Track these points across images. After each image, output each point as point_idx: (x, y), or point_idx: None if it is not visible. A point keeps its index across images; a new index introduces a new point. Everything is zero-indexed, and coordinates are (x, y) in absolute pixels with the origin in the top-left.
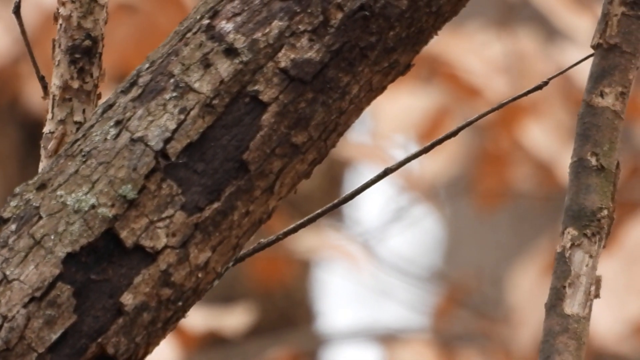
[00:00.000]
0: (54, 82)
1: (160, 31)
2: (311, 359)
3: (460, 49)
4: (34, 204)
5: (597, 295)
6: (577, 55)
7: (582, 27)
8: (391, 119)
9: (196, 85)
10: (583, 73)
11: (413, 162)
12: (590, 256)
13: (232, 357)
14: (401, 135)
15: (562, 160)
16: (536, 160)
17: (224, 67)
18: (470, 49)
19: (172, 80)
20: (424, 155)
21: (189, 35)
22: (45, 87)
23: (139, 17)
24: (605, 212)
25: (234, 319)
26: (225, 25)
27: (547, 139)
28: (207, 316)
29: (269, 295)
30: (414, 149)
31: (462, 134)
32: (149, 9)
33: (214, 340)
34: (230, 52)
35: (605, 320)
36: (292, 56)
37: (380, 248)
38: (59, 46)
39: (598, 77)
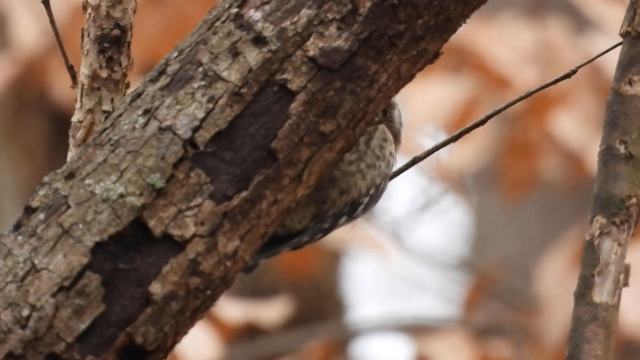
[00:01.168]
0: (83, 71)
1: (188, 21)
2: (342, 350)
3: (490, 38)
4: (63, 192)
5: (626, 284)
6: (606, 44)
7: (612, 16)
8: (420, 109)
9: (224, 74)
10: (612, 62)
11: (442, 152)
12: (619, 244)
13: (264, 348)
14: (430, 125)
15: (591, 149)
16: (565, 150)
17: (253, 56)
18: (500, 39)
19: (200, 69)
20: (452, 145)
21: (217, 24)
22: (74, 77)
23: (168, 7)
24: (634, 200)
25: (272, 312)
26: (254, 14)
27: (576, 128)
28: (245, 309)
29: (298, 288)
30: (443, 138)
31: (490, 125)
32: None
33: (247, 332)
34: (259, 40)
35: (635, 309)
36: (321, 45)
37: (409, 238)
38: (88, 35)
39: (626, 65)
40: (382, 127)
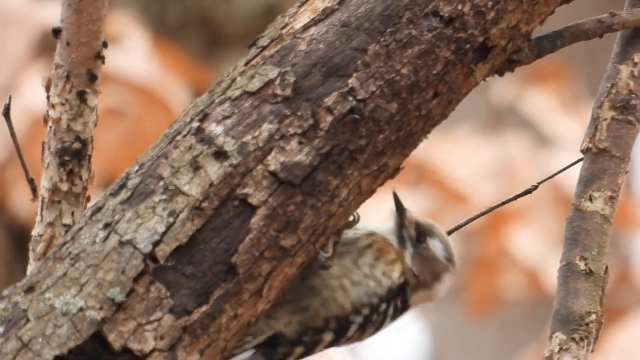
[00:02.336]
0: (43, 185)
1: (148, 134)
2: None
3: (449, 154)
4: (22, 306)
5: None
6: (566, 160)
7: (571, 132)
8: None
9: (185, 188)
10: (572, 178)
11: None
12: None
13: None
14: None
15: (550, 266)
16: (524, 267)
17: (214, 170)
18: (459, 154)
19: (161, 183)
20: None
21: (178, 137)
22: (34, 190)
23: (129, 120)
24: (594, 316)
25: None
26: (215, 128)
27: (535, 245)
28: None
29: None
30: None
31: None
32: (137, 113)
33: None
34: (220, 155)
35: None
36: (282, 159)
37: (366, 353)
38: (49, 148)
39: (587, 181)
40: (379, 246)
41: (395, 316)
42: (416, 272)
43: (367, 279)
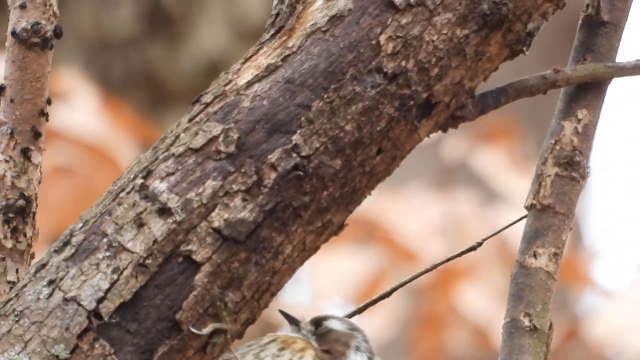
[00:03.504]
0: None
1: (96, 191)
2: None
3: (399, 211)
4: None
5: None
6: (514, 217)
7: (519, 188)
8: (328, 280)
9: (129, 245)
10: (519, 235)
11: None
12: None
13: None
14: (338, 297)
15: (498, 322)
16: (472, 324)
17: (158, 227)
18: (409, 211)
19: (105, 240)
20: (359, 317)
21: (122, 194)
22: None
23: (74, 177)
24: None
25: None
26: (159, 185)
27: (483, 301)
28: None
29: None
30: (350, 309)
31: (398, 297)
32: (85, 170)
33: None
34: (164, 211)
35: None
36: (226, 216)
37: None
38: None
39: (531, 238)
40: (283, 339)
41: None
42: (327, 348)
43: None
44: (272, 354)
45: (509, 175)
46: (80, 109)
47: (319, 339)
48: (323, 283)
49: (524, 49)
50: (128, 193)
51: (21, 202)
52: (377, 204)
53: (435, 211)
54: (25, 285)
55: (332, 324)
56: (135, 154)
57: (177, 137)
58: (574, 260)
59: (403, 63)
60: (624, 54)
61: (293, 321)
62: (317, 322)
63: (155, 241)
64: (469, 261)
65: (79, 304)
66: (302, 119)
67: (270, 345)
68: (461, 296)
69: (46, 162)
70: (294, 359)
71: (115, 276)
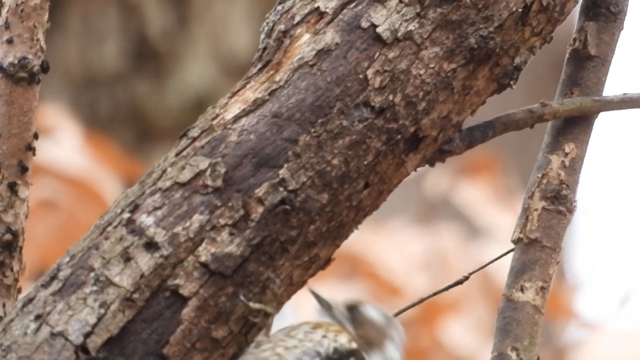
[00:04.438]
0: None
1: (81, 226)
2: None
3: (382, 246)
4: None
5: None
6: (498, 251)
7: (502, 224)
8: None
9: (116, 279)
10: (504, 269)
11: None
12: None
13: None
14: None
15: (483, 357)
16: (457, 358)
17: (145, 261)
18: (393, 246)
19: (92, 274)
20: None
21: (109, 229)
22: None
23: (60, 211)
24: None
25: None
26: (146, 219)
27: (467, 335)
28: None
29: None
30: None
31: None
32: (71, 205)
33: None
34: (151, 246)
35: None
36: (213, 250)
37: None
38: None
39: (518, 272)
40: (315, 323)
41: None
42: (362, 335)
43: (302, 342)
44: (304, 331)
45: (492, 209)
46: (65, 145)
47: (354, 324)
48: (308, 317)
49: (512, 82)
50: (115, 227)
51: (8, 236)
52: (361, 239)
53: (419, 246)
54: (12, 320)
55: (369, 311)
56: (120, 189)
57: (164, 171)
58: (558, 293)
59: (390, 97)
60: (611, 88)
61: (325, 304)
62: (352, 308)
63: (142, 275)
64: (453, 296)
65: (66, 339)
66: (289, 153)
67: (302, 326)
68: (445, 331)
69: (31, 196)
70: (329, 335)
71: (102, 310)
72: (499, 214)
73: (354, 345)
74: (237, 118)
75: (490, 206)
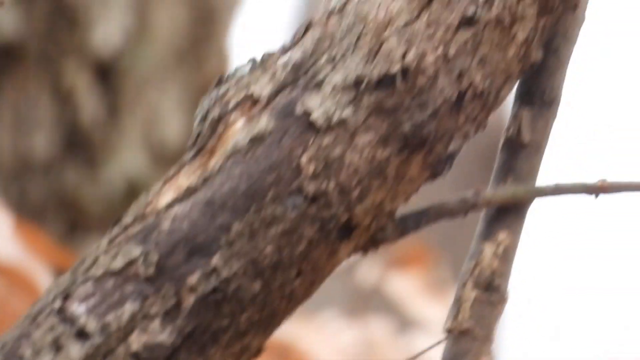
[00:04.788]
0: None
1: (12, 314)
2: None
3: (312, 337)
4: None
5: None
6: (427, 342)
7: (433, 315)
8: None
9: None
10: (433, 359)
11: None
12: None
13: None
14: None
15: None
16: None
17: (76, 350)
18: (322, 338)
19: None
20: None
21: (40, 317)
22: None
23: None
24: None
25: None
26: (78, 308)
27: None
28: None
29: None
30: None
31: None
32: (0, 294)
33: None
34: (82, 334)
35: None
36: (144, 339)
37: None
38: None
39: None
40: None
41: None
42: None
43: None
44: None
45: (423, 301)
46: None
47: None
48: None
49: (445, 170)
50: (47, 316)
51: None
52: (292, 329)
53: (349, 337)
54: None
55: None
56: (52, 279)
57: (97, 259)
58: None
59: (324, 185)
60: (545, 175)
61: None
62: None
63: None
64: None
65: None
66: (222, 241)
67: None
68: None
69: None
70: None
71: None
72: (430, 306)
73: None
74: (169, 205)
75: (421, 298)
